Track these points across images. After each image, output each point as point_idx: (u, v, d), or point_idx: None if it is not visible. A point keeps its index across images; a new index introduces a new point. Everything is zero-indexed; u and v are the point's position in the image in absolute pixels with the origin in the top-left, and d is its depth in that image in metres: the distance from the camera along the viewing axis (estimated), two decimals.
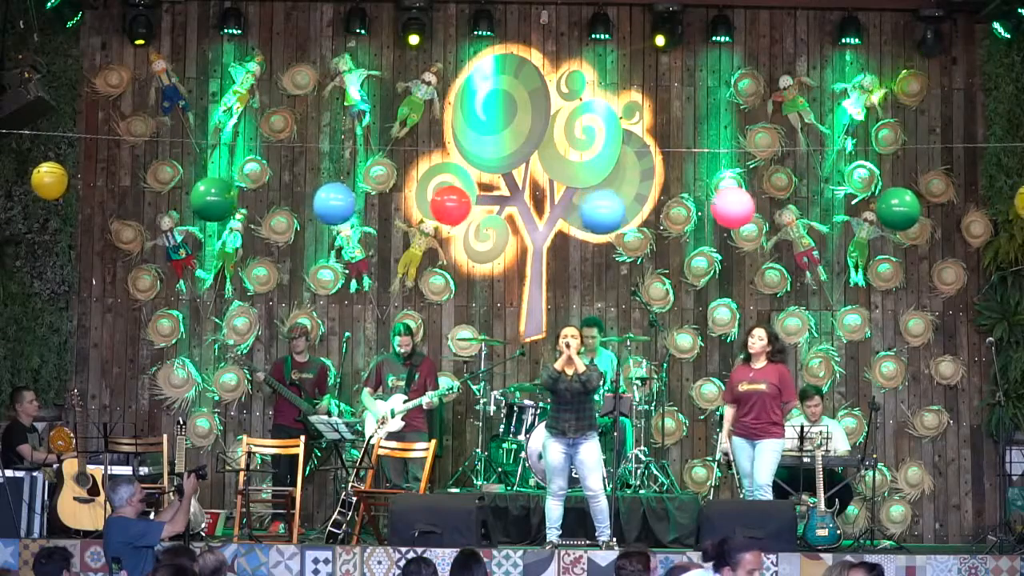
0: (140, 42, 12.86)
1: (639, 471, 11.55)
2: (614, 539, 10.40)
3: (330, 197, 11.72)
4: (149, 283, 12.79)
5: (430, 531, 10.08)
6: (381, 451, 11.29)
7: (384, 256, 12.98)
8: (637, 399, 11.80)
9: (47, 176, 11.47)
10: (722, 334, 12.79)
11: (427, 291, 12.87)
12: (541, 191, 13.05)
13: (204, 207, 11.83)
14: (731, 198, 11.82)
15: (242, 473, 11.16)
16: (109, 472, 10.50)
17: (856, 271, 12.85)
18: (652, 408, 12.04)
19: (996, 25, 12.71)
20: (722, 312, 12.81)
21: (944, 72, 13.08)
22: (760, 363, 10.85)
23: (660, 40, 12.83)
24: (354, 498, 10.72)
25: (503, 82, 13.10)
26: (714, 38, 12.92)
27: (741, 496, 11.20)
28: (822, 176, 13.01)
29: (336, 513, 10.77)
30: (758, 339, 10.86)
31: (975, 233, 12.81)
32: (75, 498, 10.60)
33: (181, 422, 11.17)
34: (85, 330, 12.78)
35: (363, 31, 12.94)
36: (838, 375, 12.77)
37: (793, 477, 11.05)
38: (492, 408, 11.86)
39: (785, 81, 13.01)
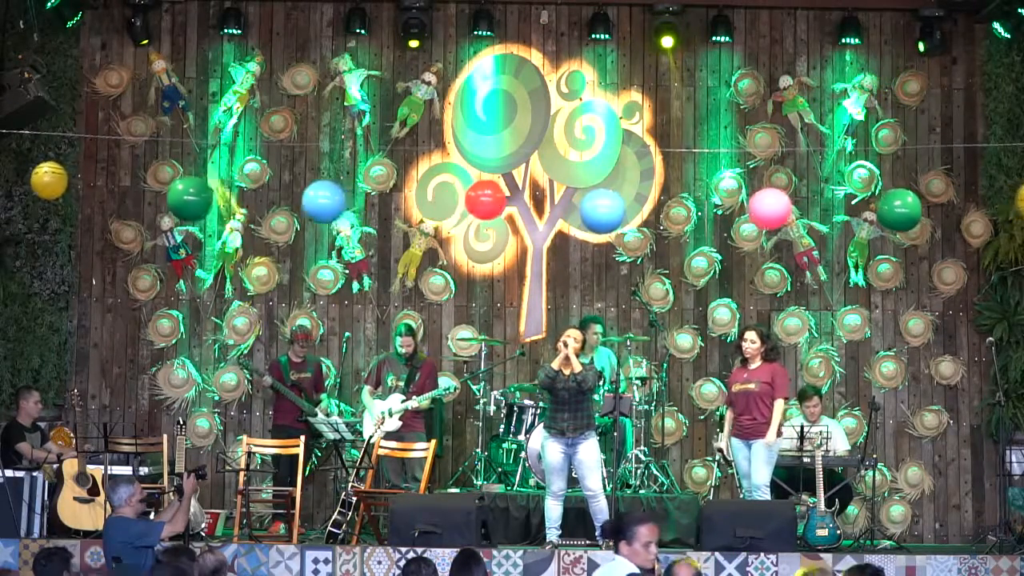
0: (144, 42, 12.87)
1: (639, 471, 11.55)
2: None
3: (318, 195, 11.75)
4: (149, 283, 12.79)
5: (430, 531, 10.08)
6: (381, 451, 11.29)
7: (384, 256, 12.98)
8: (637, 399, 11.80)
9: (47, 176, 11.49)
10: (722, 334, 12.78)
11: (427, 291, 12.87)
12: (541, 191, 13.05)
13: (180, 206, 11.85)
14: (767, 199, 11.73)
15: (242, 473, 11.16)
16: (109, 472, 10.50)
17: (856, 271, 12.85)
18: (652, 408, 12.04)
19: (996, 25, 12.71)
20: (722, 312, 12.81)
21: (944, 72, 13.08)
22: (755, 364, 10.86)
23: (668, 41, 12.80)
24: (354, 498, 10.72)
25: (503, 82, 13.10)
26: (714, 38, 12.92)
27: (741, 496, 11.20)
28: (822, 176, 13.02)
29: (336, 513, 10.77)
30: (750, 342, 10.86)
31: (975, 233, 12.81)
32: (75, 498, 10.60)
33: (181, 422, 11.15)
34: (85, 330, 12.77)
35: (363, 31, 12.94)
36: (838, 375, 12.77)
37: (793, 477, 11.05)
38: (492, 408, 11.86)
39: (785, 81, 13.00)
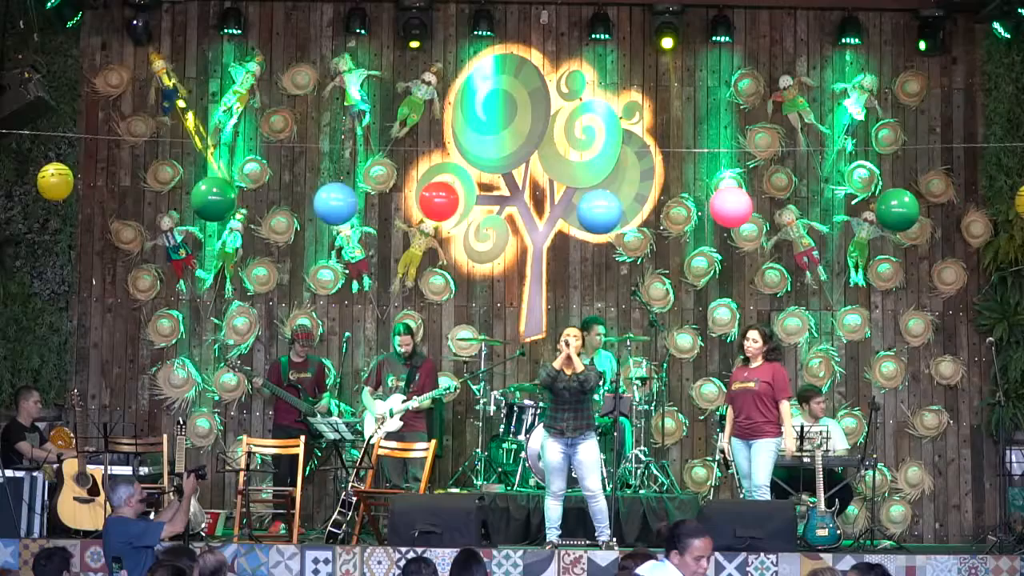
0: (144, 42, 12.87)
1: (639, 471, 11.55)
2: (614, 539, 10.40)
3: (331, 197, 11.76)
4: (149, 283, 12.79)
5: (430, 531, 10.08)
6: (381, 451, 11.29)
7: (384, 256, 12.98)
8: (637, 399, 11.80)
9: (54, 177, 11.50)
10: (722, 334, 12.79)
11: (427, 291, 12.87)
12: (541, 191, 13.05)
13: (205, 206, 11.84)
14: (729, 198, 11.85)
15: (242, 473, 11.16)
16: (109, 472, 10.50)
17: (856, 271, 12.85)
18: (652, 408, 12.04)
19: (996, 25, 12.72)
20: (722, 312, 12.81)
21: (944, 72, 13.09)
22: (756, 363, 10.86)
23: (668, 42, 12.81)
24: (354, 498, 10.72)
25: (503, 82, 13.10)
26: (714, 38, 12.93)
27: (741, 496, 11.20)
28: (822, 176, 13.02)
29: (336, 513, 10.77)
30: (752, 341, 10.86)
31: (975, 233, 12.82)
32: (75, 498, 10.60)
33: (181, 422, 11.14)
34: (85, 330, 12.78)
35: (363, 31, 12.94)
36: (838, 375, 12.77)
37: (793, 477, 11.05)
38: (492, 408, 11.86)
39: (785, 81, 13.01)
